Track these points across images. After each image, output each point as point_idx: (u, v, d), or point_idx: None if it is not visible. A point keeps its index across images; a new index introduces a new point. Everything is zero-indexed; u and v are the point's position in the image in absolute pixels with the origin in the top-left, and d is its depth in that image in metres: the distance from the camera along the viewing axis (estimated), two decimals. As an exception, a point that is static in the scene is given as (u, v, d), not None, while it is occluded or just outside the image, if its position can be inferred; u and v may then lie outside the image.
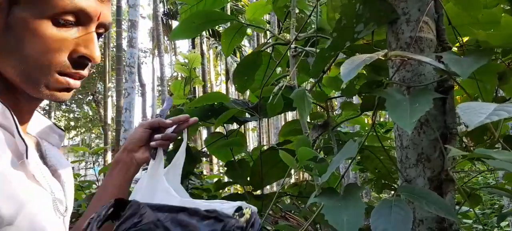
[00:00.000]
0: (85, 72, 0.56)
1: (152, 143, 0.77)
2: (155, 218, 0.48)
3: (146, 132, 0.78)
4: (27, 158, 0.52)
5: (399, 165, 0.90)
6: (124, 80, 5.90)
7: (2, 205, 0.47)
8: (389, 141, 1.85)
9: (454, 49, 0.95)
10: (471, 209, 2.21)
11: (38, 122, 0.65)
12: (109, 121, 10.33)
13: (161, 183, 0.73)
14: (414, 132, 0.85)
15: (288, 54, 1.31)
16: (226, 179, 2.32)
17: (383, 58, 0.72)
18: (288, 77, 1.29)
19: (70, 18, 0.51)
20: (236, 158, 1.77)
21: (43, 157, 0.61)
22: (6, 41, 0.51)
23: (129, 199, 0.76)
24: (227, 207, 0.68)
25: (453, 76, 0.79)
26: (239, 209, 0.59)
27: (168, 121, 0.79)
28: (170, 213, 0.50)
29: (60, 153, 0.69)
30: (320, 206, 1.08)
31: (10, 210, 0.48)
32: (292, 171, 1.46)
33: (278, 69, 1.60)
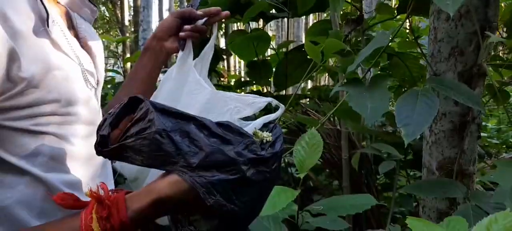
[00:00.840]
0: None
1: (181, 34, 0.74)
2: (161, 126, 0.45)
3: (175, 21, 0.76)
4: (48, 25, 0.51)
5: (430, 59, 0.89)
6: (141, -22, 5.70)
7: (26, 65, 0.47)
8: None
9: None
10: (488, 124, 2.22)
11: None
12: (126, 23, 10.22)
13: (192, 74, 0.72)
14: (451, 24, 0.82)
15: None
16: (247, 78, 2.35)
17: None
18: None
19: None
20: (259, 58, 1.77)
21: (74, 29, 0.62)
22: None
23: (157, 89, 0.78)
24: (258, 101, 0.67)
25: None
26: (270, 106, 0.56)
27: (199, 12, 0.76)
28: (181, 121, 0.47)
29: (92, 28, 0.69)
30: (340, 102, 1.10)
31: (35, 72, 0.48)
32: (314, 73, 1.46)
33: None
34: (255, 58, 1.80)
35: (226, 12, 0.77)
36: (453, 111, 0.85)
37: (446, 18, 0.83)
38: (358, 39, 1.50)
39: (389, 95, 0.78)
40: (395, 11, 1.38)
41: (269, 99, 0.73)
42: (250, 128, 0.62)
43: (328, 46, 0.97)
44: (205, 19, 0.76)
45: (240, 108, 0.68)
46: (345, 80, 0.91)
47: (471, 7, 0.78)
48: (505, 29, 1.06)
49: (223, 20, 0.77)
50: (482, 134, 2.12)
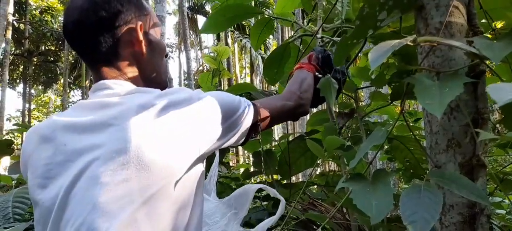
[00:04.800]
0: None
1: None
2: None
3: None
4: None
5: (429, 151, 0.90)
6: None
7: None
8: (420, 131, 1.82)
9: (487, 35, 0.94)
10: (505, 200, 2.14)
11: None
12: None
13: None
14: (444, 118, 0.85)
15: (315, 45, 1.33)
16: (252, 169, 2.36)
17: (411, 44, 0.72)
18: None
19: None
20: (263, 148, 1.80)
21: None
22: (148, 58, 0.81)
23: None
24: (248, 191, 0.95)
25: (485, 60, 0.78)
26: None
27: None
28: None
29: None
30: (348, 192, 1.09)
31: None
32: (319, 161, 1.47)
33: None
34: (259, 149, 1.83)
35: None
36: (460, 202, 0.84)
37: (438, 112, 0.86)
38: (357, 127, 1.54)
39: (393, 191, 0.78)
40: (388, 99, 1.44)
41: (258, 186, 0.93)
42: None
43: (328, 143, 1.00)
44: None
45: (237, 213, 0.86)
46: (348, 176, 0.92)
47: (460, 102, 0.81)
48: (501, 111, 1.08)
49: None
50: (500, 211, 2.04)
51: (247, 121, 0.80)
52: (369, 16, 0.86)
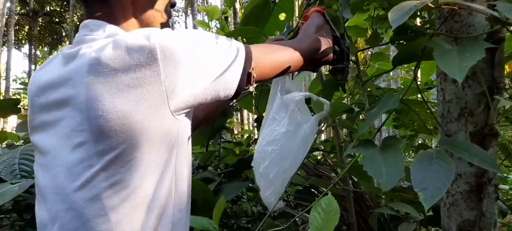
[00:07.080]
0: None
1: None
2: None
3: None
4: None
5: (440, 119, 0.88)
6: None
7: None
8: (428, 98, 1.78)
9: None
10: (510, 176, 2.14)
11: None
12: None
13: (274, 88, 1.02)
14: (459, 86, 0.83)
15: (296, 3, 1.26)
16: (256, 136, 2.37)
17: (432, 6, 0.69)
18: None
19: None
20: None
21: None
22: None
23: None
24: (300, 95, 0.99)
25: (505, 26, 0.75)
26: None
27: None
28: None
29: None
30: (351, 160, 1.09)
31: None
32: (323, 128, 1.45)
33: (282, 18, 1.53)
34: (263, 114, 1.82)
35: None
36: (468, 172, 0.83)
37: (452, 80, 0.83)
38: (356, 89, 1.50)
39: (403, 159, 0.77)
40: (389, 60, 1.38)
41: (307, 94, 1.02)
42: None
43: (335, 107, 0.99)
44: None
45: (295, 110, 0.96)
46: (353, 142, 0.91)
47: (477, 69, 0.79)
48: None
49: None
50: (503, 186, 2.04)
51: (234, 70, 0.65)
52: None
